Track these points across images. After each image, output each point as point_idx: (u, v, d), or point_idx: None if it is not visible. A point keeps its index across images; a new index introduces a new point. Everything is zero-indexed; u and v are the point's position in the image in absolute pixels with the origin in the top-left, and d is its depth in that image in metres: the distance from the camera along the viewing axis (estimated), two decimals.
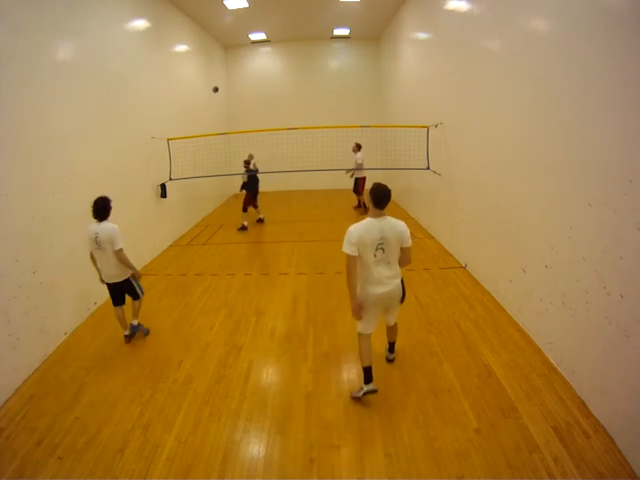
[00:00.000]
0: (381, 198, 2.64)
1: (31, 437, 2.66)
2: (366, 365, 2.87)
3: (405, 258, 2.80)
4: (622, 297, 2.41)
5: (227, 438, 2.60)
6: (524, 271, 3.68)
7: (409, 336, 3.69)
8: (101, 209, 3.47)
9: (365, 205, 8.65)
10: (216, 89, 8.52)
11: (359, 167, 8.51)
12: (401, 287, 2.86)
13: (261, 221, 8.33)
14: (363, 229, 2.63)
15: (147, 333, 3.90)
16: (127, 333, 3.76)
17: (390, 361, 3.31)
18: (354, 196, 9.11)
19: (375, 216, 2.66)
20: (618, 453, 2.33)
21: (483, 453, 2.39)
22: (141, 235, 5.83)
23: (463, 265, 5.29)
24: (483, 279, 4.72)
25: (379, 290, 2.73)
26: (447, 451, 2.42)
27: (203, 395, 3.01)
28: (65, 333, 3.93)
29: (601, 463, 2.28)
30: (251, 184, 8.08)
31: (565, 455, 2.34)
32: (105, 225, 3.48)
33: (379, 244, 2.63)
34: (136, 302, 3.84)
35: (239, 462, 2.42)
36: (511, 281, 3.97)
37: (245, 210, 7.94)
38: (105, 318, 4.31)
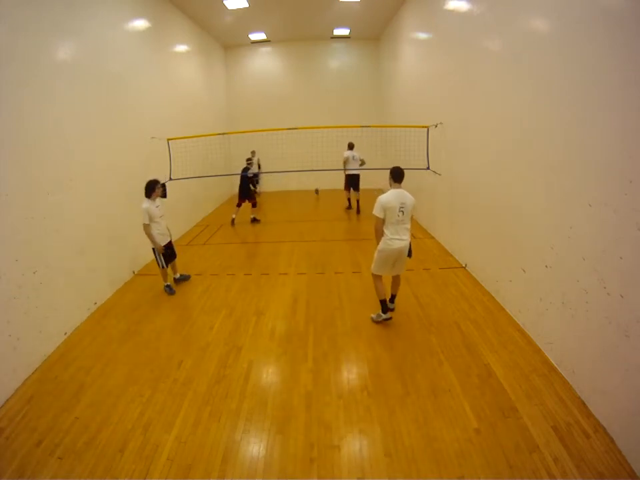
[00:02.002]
0: (399, 175, 3.69)
1: (31, 437, 2.66)
2: (381, 298, 3.84)
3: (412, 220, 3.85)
4: (622, 297, 2.41)
5: (227, 438, 2.60)
6: (524, 271, 3.68)
7: (409, 336, 3.69)
8: (146, 187, 4.62)
9: (356, 206, 8.76)
10: (317, 191, 10.25)
11: (362, 163, 8.60)
12: (409, 245, 3.76)
13: (255, 220, 8.47)
14: (391, 195, 3.60)
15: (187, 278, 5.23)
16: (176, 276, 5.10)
17: (390, 310, 3.98)
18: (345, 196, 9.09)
19: (396, 188, 3.67)
20: (618, 453, 2.33)
21: (482, 453, 2.39)
22: (141, 235, 5.82)
23: (463, 265, 5.29)
24: (483, 278, 4.72)
25: (397, 244, 3.65)
26: (447, 451, 2.42)
27: (203, 395, 3.01)
28: (65, 333, 3.93)
29: (601, 463, 2.28)
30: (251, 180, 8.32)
31: (565, 454, 2.34)
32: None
33: (400, 208, 3.58)
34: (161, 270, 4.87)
35: (238, 462, 2.42)
36: (510, 281, 3.97)
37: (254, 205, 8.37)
38: (105, 318, 4.32)
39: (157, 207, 4.64)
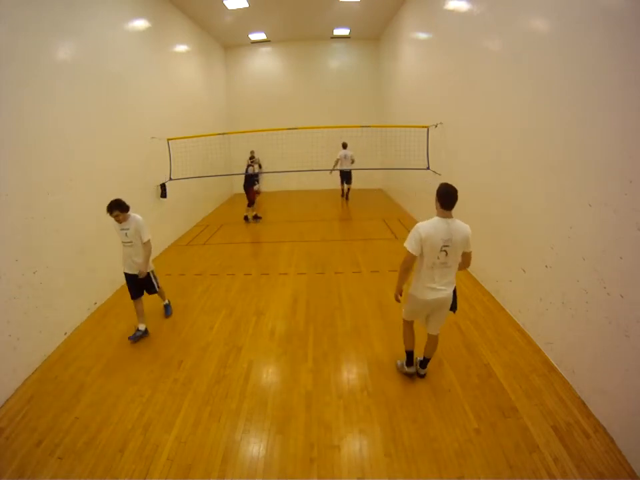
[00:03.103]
0: (448, 198, 2.59)
1: (31, 436, 2.66)
2: (407, 348, 3.05)
3: (465, 261, 2.75)
4: (622, 297, 2.41)
5: (227, 438, 2.60)
6: (524, 270, 3.68)
7: None
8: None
9: (345, 194, 10.50)
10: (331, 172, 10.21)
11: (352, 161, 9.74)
12: (452, 296, 2.77)
13: (247, 218, 8.53)
14: (432, 227, 2.58)
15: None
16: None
17: (420, 376, 3.08)
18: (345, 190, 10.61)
19: (443, 216, 2.61)
20: (618, 453, 2.33)
21: (483, 453, 2.39)
22: None
23: None
24: (483, 278, 4.72)
25: (431, 296, 2.70)
26: (447, 451, 2.42)
27: (202, 395, 3.01)
28: (65, 333, 3.93)
29: (601, 463, 2.29)
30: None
31: (565, 454, 2.35)
32: None
33: (444, 246, 2.56)
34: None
35: (238, 462, 2.42)
36: (510, 280, 3.97)
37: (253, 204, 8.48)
38: (104, 318, 4.32)
39: (125, 231, 3.63)
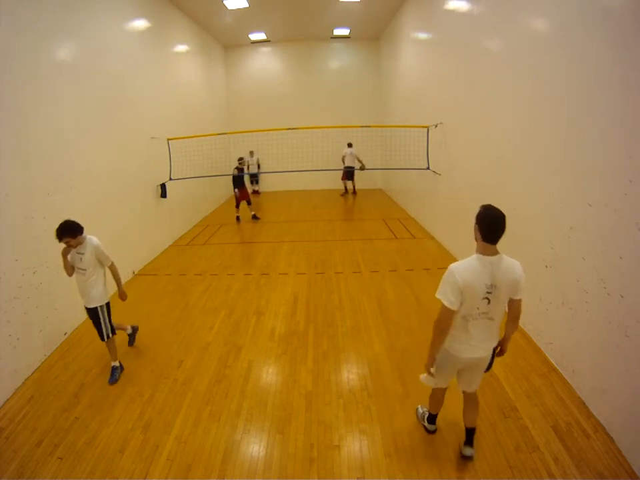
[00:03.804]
0: (493, 228, 1.94)
1: (31, 436, 2.66)
2: (432, 412, 2.52)
3: (514, 312, 2.06)
4: (622, 297, 2.41)
5: (227, 438, 2.60)
6: (524, 270, 3.67)
7: (410, 336, 3.69)
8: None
9: (347, 189, 11.06)
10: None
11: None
12: (491, 354, 2.17)
13: (238, 219, 8.56)
14: (472, 271, 1.93)
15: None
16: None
17: (467, 457, 2.33)
18: (342, 186, 11.14)
19: (485, 253, 1.95)
20: (618, 453, 2.33)
21: (483, 453, 2.39)
22: (140, 235, 5.84)
23: None
24: None
25: (466, 354, 2.10)
26: (447, 451, 2.42)
27: (202, 395, 3.01)
28: (65, 333, 3.93)
29: (601, 462, 2.29)
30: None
31: (564, 455, 2.35)
32: None
33: (487, 292, 1.93)
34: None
35: (238, 462, 2.42)
36: None
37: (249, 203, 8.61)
38: None
39: (81, 254, 3.06)
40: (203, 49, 9.58)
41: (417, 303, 4.32)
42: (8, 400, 3.05)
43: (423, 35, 7.16)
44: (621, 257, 2.42)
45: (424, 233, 7.07)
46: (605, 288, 2.56)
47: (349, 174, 10.58)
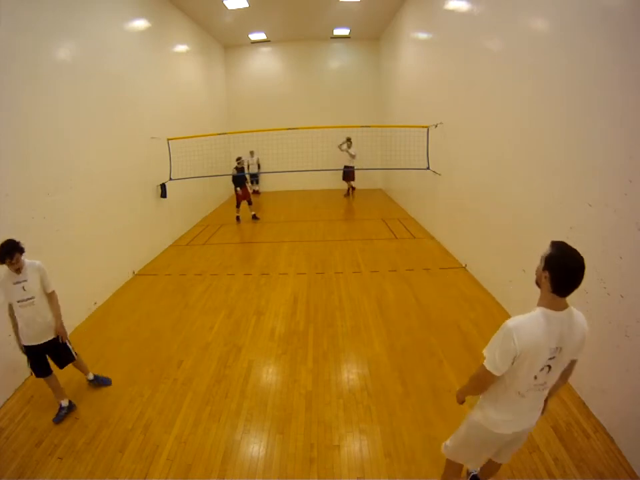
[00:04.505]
0: (572, 279, 1.47)
1: (31, 436, 2.66)
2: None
3: (566, 371, 1.71)
4: (622, 297, 2.41)
5: (227, 438, 2.60)
6: (524, 271, 3.67)
7: (410, 336, 3.69)
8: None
9: (351, 189, 10.85)
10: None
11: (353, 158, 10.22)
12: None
13: (238, 219, 8.59)
14: (541, 332, 1.47)
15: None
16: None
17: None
18: (344, 185, 10.98)
19: (555, 307, 1.49)
20: (618, 453, 2.34)
21: None
22: (140, 235, 5.84)
23: (463, 265, 5.28)
24: (483, 278, 4.72)
25: (512, 428, 1.69)
26: None
27: (203, 395, 3.01)
28: None
29: (601, 462, 2.29)
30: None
31: (564, 455, 2.35)
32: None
33: (549, 359, 1.53)
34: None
35: (238, 462, 2.42)
36: (511, 281, 3.97)
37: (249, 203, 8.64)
38: (104, 318, 4.32)
39: (21, 283, 2.61)
40: (202, 49, 9.58)
41: (416, 303, 4.32)
42: (8, 400, 3.05)
43: (423, 35, 7.16)
44: (620, 257, 2.42)
45: (424, 232, 7.07)
46: (604, 288, 2.56)
47: (347, 175, 10.54)
